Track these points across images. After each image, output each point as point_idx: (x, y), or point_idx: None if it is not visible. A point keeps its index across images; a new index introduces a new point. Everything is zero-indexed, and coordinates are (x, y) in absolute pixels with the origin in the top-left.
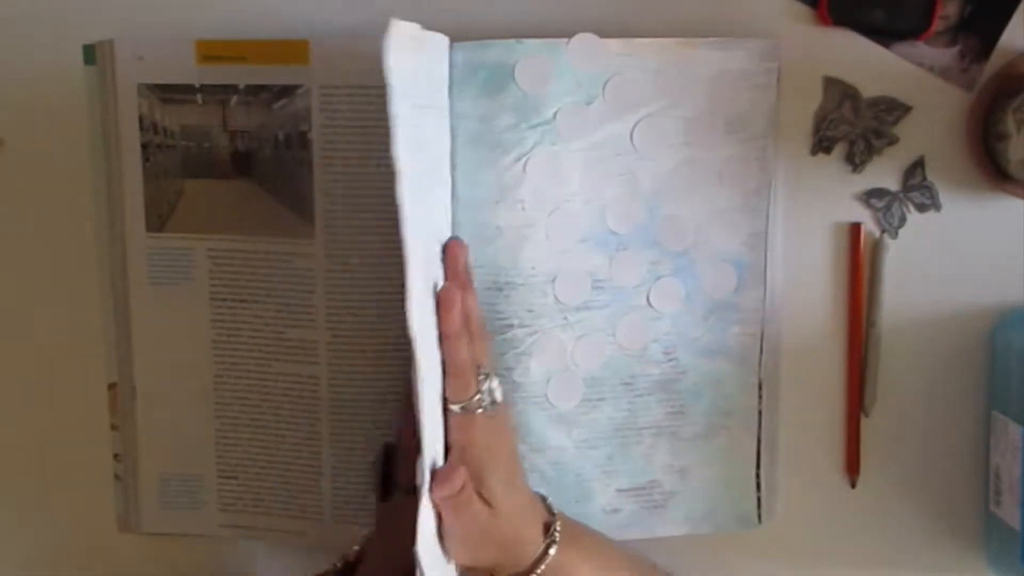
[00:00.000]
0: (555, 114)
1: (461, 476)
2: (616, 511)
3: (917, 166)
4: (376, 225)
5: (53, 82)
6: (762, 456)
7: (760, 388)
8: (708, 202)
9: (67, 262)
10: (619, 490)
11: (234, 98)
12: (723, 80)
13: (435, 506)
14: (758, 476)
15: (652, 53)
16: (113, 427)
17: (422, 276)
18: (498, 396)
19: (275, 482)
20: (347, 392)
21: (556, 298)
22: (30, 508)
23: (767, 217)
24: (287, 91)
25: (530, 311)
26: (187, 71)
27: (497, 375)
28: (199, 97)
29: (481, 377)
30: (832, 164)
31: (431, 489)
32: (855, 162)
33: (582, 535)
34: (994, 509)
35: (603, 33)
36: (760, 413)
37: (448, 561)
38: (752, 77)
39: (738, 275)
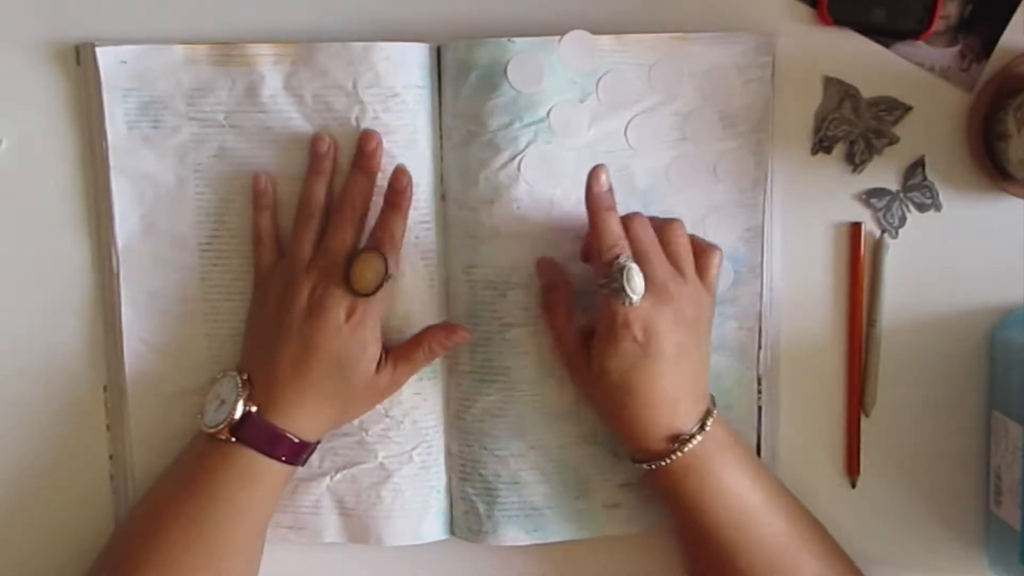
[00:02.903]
0: (549, 112)
1: None
2: (616, 506)
3: (917, 166)
4: None
5: (46, 83)
6: (762, 451)
7: (759, 383)
8: (704, 197)
9: (61, 263)
10: (619, 486)
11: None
12: (717, 75)
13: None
14: None
15: (645, 49)
16: (108, 428)
17: None
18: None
19: None
20: None
21: None
22: (26, 509)
23: (763, 212)
24: None
25: (526, 310)
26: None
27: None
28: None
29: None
30: (832, 164)
31: None
32: (855, 162)
33: (731, 431)
34: (994, 509)
35: (596, 30)
36: (760, 408)
37: None
38: (746, 72)
39: (735, 270)
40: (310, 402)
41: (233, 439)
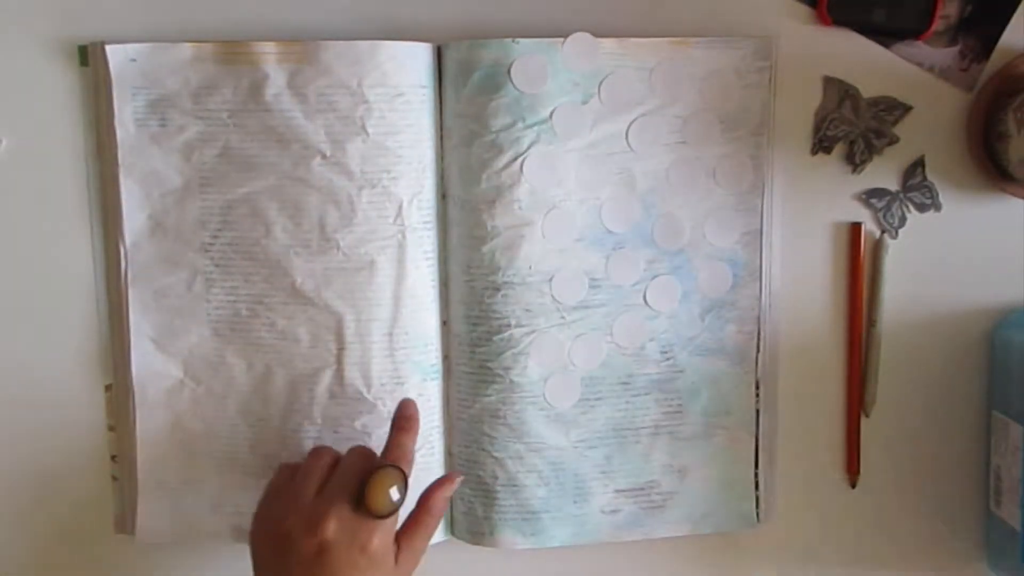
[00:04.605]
0: (551, 114)
1: None
2: (615, 512)
3: (917, 166)
4: None
5: (51, 82)
6: (760, 455)
7: (757, 387)
8: (703, 200)
9: (64, 262)
10: (618, 490)
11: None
12: (717, 79)
13: None
14: (756, 475)
15: (646, 52)
16: (110, 428)
17: None
18: None
19: None
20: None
21: (553, 297)
22: (27, 509)
23: (762, 215)
24: None
25: (527, 311)
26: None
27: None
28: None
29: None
30: (832, 164)
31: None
32: (855, 162)
33: None
34: (994, 509)
35: (597, 33)
36: (758, 412)
37: None
38: (745, 75)
39: (733, 273)
40: None
41: None
